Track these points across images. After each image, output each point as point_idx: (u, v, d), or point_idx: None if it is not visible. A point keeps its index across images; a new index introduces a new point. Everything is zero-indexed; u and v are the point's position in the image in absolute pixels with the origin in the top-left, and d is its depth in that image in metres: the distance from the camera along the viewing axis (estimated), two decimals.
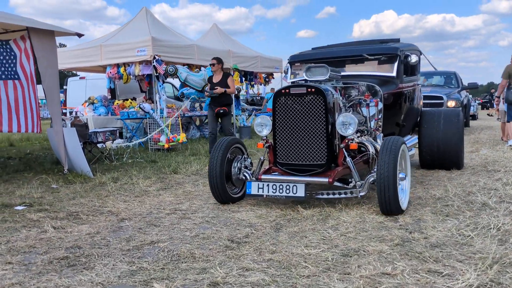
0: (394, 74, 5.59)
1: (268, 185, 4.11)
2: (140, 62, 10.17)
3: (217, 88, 8.05)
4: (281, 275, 2.72)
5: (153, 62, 9.84)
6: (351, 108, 4.83)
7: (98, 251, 3.21)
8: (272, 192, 4.08)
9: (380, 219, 3.89)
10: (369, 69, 5.82)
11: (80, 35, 7.52)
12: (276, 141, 4.34)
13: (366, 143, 4.44)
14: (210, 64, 8.35)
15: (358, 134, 4.56)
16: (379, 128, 5.01)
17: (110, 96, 12.82)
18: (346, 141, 4.20)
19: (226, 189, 4.50)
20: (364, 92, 5.06)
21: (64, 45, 25.87)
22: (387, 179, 3.72)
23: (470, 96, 17.42)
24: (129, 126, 10.51)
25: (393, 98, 5.44)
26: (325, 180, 4.08)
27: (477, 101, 29.19)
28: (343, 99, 4.70)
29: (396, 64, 5.62)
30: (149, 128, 9.94)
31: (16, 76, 6.76)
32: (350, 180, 4.17)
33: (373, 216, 4.00)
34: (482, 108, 35.36)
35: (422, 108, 6.90)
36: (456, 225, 3.64)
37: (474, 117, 20.37)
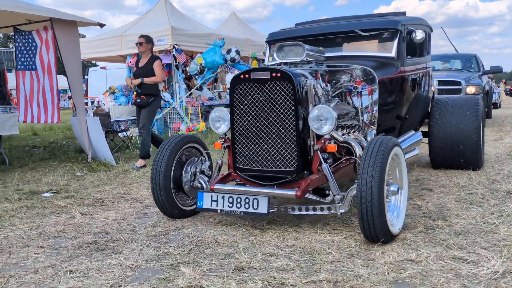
0: (393, 54, 4.50)
1: (223, 197, 3.23)
2: (160, 52, 10.24)
3: (136, 79, 6.40)
4: (305, 260, 2.75)
5: (173, 51, 9.91)
6: (337, 98, 3.86)
7: (125, 236, 3.30)
8: (228, 206, 3.21)
9: None
10: (365, 48, 4.79)
11: (102, 25, 7.60)
12: (235, 141, 3.42)
13: (353, 144, 3.42)
14: (136, 44, 6.53)
15: (346, 131, 3.66)
16: (374, 122, 4.06)
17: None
18: (322, 141, 3.26)
19: (174, 200, 3.59)
20: (356, 77, 4.04)
21: (84, 36, 26.15)
22: (370, 194, 2.83)
23: (493, 83, 15.22)
24: None
25: (392, 84, 4.42)
26: (292, 193, 3.15)
27: (500, 88, 26.80)
28: (327, 86, 3.82)
29: (396, 41, 4.50)
30: (169, 118, 10.03)
31: (33, 67, 6.90)
32: (328, 192, 3.29)
33: None
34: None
35: (436, 96, 5.92)
36: (480, 213, 3.61)
37: (496, 106, 19.33)
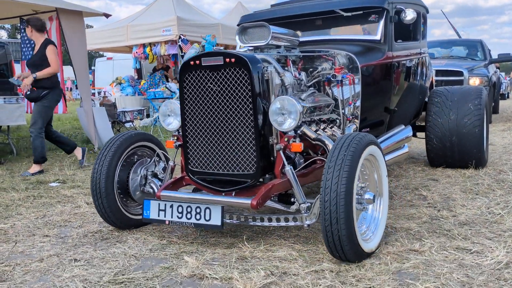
0: (378, 37, 3.96)
1: (172, 206, 2.80)
2: (166, 42, 10.24)
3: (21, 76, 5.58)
4: (308, 250, 2.76)
5: (179, 42, 9.89)
6: (312, 88, 3.36)
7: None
8: (177, 217, 2.77)
9: (408, 197, 3.87)
10: (348, 31, 4.27)
11: (107, 16, 7.61)
12: (187, 139, 2.96)
13: (327, 141, 2.95)
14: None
15: (322, 126, 3.18)
16: (357, 116, 3.51)
17: (136, 76, 12.99)
18: (286, 139, 2.80)
19: (119, 208, 3.12)
20: (335, 64, 3.48)
21: (91, 26, 26.19)
22: (336, 204, 2.37)
23: (502, 73, 13.57)
24: (156, 106, 10.64)
25: (377, 72, 3.89)
26: (246, 202, 2.68)
27: (509, 79, 24.86)
28: (300, 74, 3.33)
29: (382, 22, 3.96)
30: None
31: None
32: (293, 199, 2.83)
33: (402, 192, 3.99)
34: None
35: (435, 88, 5.36)
36: (486, 204, 3.58)
37: (503, 96, 16.97)
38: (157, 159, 3.33)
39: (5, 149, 7.22)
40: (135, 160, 3.29)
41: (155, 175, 3.27)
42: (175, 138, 3.15)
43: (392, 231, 3.04)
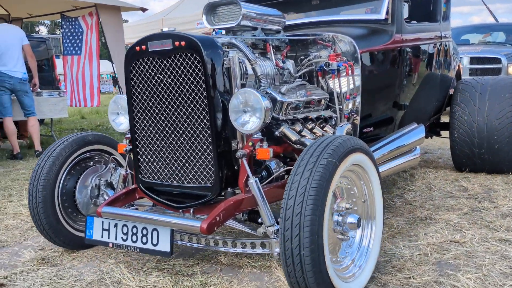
0: (382, 15, 3.28)
1: (116, 225, 2.33)
2: None
3: None
4: None
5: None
6: (299, 80, 2.85)
7: None
8: (122, 239, 2.30)
9: (448, 188, 3.81)
10: (351, 12, 3.60)
11: (144, 10, 7.75)
12: (136, 143, 2.46)
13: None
14: None
15: (309, 126, 2.68)
16: (357, 113, 2.94)
17: None
18: (250, 143, 2.22)
19: (62, 225, 2.66)
20: (329, 50, 2.95)
21: (126, 21, 26.66)
22: (298, 234, 1.83)
23: None
24: None
25: (383, 59, 3.28)
26: (195, 225, 2.13)
27: None
28: (285, 62, 2.82)
29: None
30: None
31: (78, 52, 7.16)
32: (260, 220, 2.21)
33: (441, 184, 3.94)
34: None
35: (463, 78, 4.68)
36: None
37: None
38: (114, 165, 2.79)
39: (48, 141, 7.51)
40: (86, 167, 2.80)
41: (110, 185, 2.74)
42: (128, 141, 2.60)
43: (432, 222, 3.04)
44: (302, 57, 2.95)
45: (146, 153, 2.43)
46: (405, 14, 3.53)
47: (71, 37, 7.26)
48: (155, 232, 2.21)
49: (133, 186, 2.55)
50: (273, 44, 2.79)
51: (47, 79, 8.34)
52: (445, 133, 4.54)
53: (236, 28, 2.65)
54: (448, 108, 4.47)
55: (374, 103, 3.20)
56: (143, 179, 2.44)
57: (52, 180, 2.59)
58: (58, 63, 9.65)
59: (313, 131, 2.68)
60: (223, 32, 2.79)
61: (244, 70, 2.44)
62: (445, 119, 4.62)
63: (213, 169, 2.24)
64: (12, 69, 5.68)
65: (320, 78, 2.87)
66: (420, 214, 3.19)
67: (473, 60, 7.96)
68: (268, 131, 2.48)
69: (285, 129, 2.50)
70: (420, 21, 3.81)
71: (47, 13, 8.08)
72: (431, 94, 4.06)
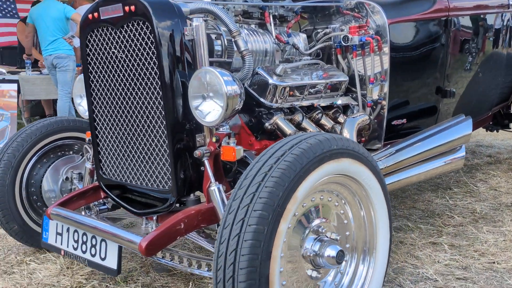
0: None
1: (68, 230, 1.98)
2: None
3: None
4: (424, 222, 2.75)
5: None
6: (307, 58, 2.38)
7: None
8: (73, 247, 1.94)
9: None
10: None
11: None
12: (96, 131, 2.07)
13: None
14: None
15: (316, 116, 2.26)
16: (383, 100, 2.40)
17: None
18: (214, 139, 1.78)
19: (25, 223, 2.39)
20: (349, 21, 2.44)
21: None
22: (232, 277, 1.33)
23: None
24: None
25: (421, 32, 2.67)
26: (136, 240, 1.67)
27: None
28: (289, 35, 2.33)
29: None
30: None
31: None
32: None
33: None
34: None
35: None
36: None
37: None
38: (90, 156, 2.27)
39: None
40: (62, 156, 2.51)
41: (82, 179, 2.35)
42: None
43: None
44: (319, 31, 2.47)
45: (106, 144, 2.03)
46: None
47: None
48: (103, 244, 1.82)
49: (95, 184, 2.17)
50: (275, 14, 2.30)
51: None
52: None
53: None
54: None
55: (408, 89, 2.64)
56: (104, 176, 2.06)
57: (12, 175, 2.30)
58: None
59: (321, 122, 2.25)
60: None
61: (226, 44, 2.00)
62: None
63: (169, 170, 1.80)
64: None
65: (339, 56, 2.39)
66: (506, 200, 3.13)
67: None
68: (259, 122, 2.07)
69: (278, 119, 2.05)
70: None
71: None
72: (494, 79, 3.33)
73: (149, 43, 1.75)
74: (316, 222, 1.60)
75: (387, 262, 1.77)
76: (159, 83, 1.75)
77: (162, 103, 1.77)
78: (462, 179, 3.63)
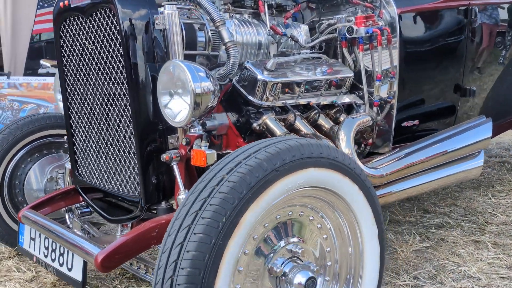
0: None
1: (40, 237, 1.90)
2: None
3: None
4: (466, 220, 2.75)
5: None
6: (307, 51, 2.19)
7: None
8: (44, 254, 1.87)
9: None
10: None
11: None
12: (72, 129, 2.01)
13: None
14: None
15: (313, 116, 2.06)
16: (393, 99, 2.16)
17: None
18: (184, 142, 1.64)
19: (4, 222, 2.35)
20: (358, 9, 2.25)
21: None
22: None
23: None
24: None
25: (436, 23, 2.44)
26: (93, 252, 1.55)
27: None
28: (286, 27, 2.16)
29: None
30: None
31: None
32: None
33: None
34: None
35: None
36: None
37: None
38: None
39: None
40: (42, 155, 2.43)
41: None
42: None
43: None
44: (323, 22, 2.26)
45: (81, 144, 1.94)
46: None
47: None
48: (70, 254, 1.72)
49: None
50: (271, 2, 2.14)
51: None
52: None
53: None
54: None
55: (421, 87, 2.41)
56: (79, 177, 1.98)
57: None
58: None
59: (319, 123, 2.05)
60: None
61: (210, 35, 1.84)
62: None
63: (137, 175, 1.69)
64: None
65: (344, 50, 2.19)
66: None
67: None
68: (247, 122, 1.89)
69: (268, 119, 1.87)
70: None
71: None
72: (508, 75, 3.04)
73: (116, 33, 1.63)
74: (284, 241, 1.41)
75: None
76: (126, 78, 1.63)
77: (127, 99, 1.64)
78: (506, 177, 3.57)
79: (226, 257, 1.16)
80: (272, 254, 1.38)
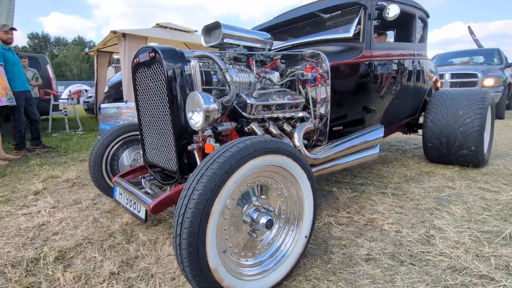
0: (351, 33, 3.59)
1: (122, 194, 3.00)
2: None
3: None
4: (377, 180, 4.14)
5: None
6: (277, 87, 3.25)
7: None
8: (126, 203, 2.92)
9: None
10: (332, 32, 3.89)
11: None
12: (142, 131, 3.14)
13: None
14: None
15: (282, 124, 3.17)
16: (327, 114, 3.33)
17: None
18: (201, 138, 2.67)
19: (103, 178, 3.60)
20: (312, 64, 3.34)
21: None
22: (181, 229, 1.97)
23: None
24: None
25: (351, 70, 3.52)
26: (146, 203, 2.62)
27: None
28: (266, 73, 3.25)
29: (357, 19, 3.64)
30: None
31: None
32: None
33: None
34: None
35: (438, 90, 5.05)
36: (503, 163, 4.70)
37: None
38: None
39: None
40: (129, 146, 3.72)
41: None
42: None
43: (433, 174, 4.27)
44: (287, 70, 3.39)
45: (146, 139, 3.07)
46: (391, 37, 4.68)
47: None
48: (138, 203, 2.76)
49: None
50: (257, 59, 3.24)
51: None
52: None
53: (225, 46, 3.08)
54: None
55: (343, 107, 3.51)
56: (146, 158, 3.13)
57: (102, 150, 3.54)
58: None
59: (283, 128, 3.12)
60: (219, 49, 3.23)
61: (219, 77, 2.85)
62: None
63: (175, 155, 2.71)
64: None
65: (300, 86, 3.30)
66: (425, 169, 4.57)
67: (453, 75, 9.50)
68: (242, 127, 2.93)
69: (253, 125, 2.88)
70: (401, 40, 4.45)
71: None
72: (404, 101, 4.41)
73: (163, 76, 2.65)
74: (257, 197, 2.24)
75: (311, 232, 2.40)
76: (168, 102, 2.65)
77: (170, 115, 2.66)
78: (399, 157, 5.26)
79: (215, 205, 1.96)
80: (247, 205, 2.18)
